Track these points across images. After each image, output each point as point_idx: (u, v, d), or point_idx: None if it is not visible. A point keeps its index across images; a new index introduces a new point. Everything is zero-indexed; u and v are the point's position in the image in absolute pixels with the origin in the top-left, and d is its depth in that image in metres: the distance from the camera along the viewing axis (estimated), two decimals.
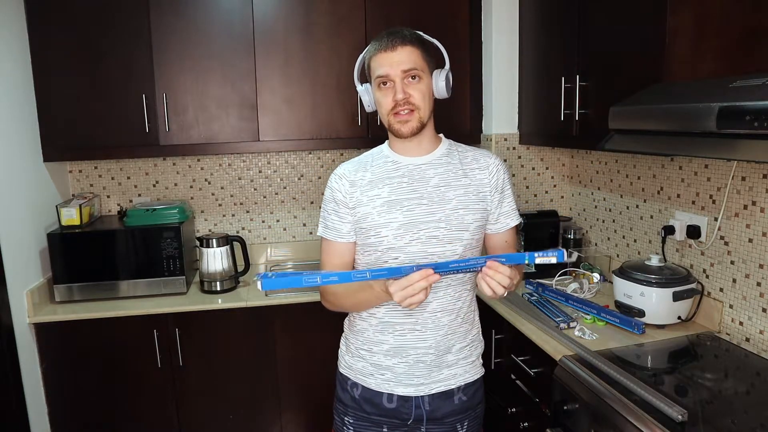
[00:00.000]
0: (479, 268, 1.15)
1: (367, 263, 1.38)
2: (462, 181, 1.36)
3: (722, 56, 1.37)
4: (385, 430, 1.41)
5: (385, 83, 1.30)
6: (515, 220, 1.42)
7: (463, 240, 1.34)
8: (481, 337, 1.49)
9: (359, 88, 1.39)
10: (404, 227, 1.32)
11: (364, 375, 1.40)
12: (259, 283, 1.11)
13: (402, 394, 1.37)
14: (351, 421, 1.43)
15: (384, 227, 1.32)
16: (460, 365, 1.40)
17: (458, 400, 1.41)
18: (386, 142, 1.41)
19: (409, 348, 1.36)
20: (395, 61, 1.27)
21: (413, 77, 1.28)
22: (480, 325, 1.48)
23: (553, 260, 1.14)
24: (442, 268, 1.14)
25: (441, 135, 1.43)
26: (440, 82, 1.34)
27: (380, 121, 1.38)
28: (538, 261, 1.15)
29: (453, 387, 1.39)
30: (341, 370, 1.47)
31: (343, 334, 1.51)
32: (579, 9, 1.95)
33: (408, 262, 1.32)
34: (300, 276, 1.13)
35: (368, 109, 1.40)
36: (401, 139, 1.33)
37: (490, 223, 1.40)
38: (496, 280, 1.14)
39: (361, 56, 1.38)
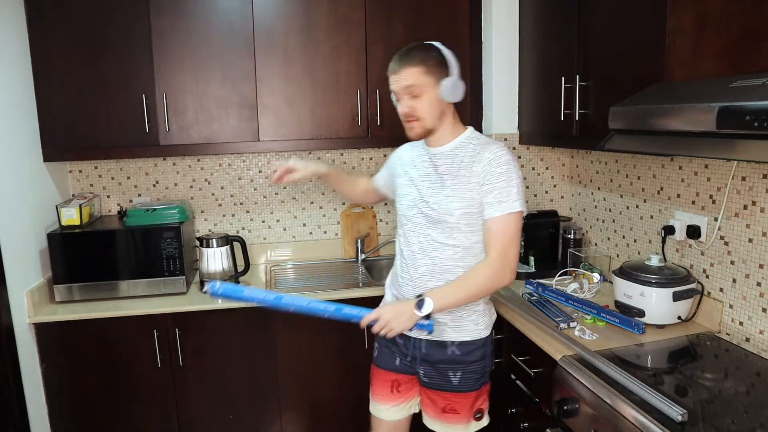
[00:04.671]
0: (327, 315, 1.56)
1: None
2: (461, 172, 1.56)
3: (722, 56, 1.37)
4: (397, 359, 1.74)
5: (396, 98, 1.61)
6: (497, 212, 1.51)
7: (448, 223, 1.57)
8: (484, 308, 1.68)
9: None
10: (413, 201, 1.65)
11: None
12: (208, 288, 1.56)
13: (405, 333, 1.63)
14: (380, 343, 1.78)
15: (403, 197, 1.69)
16: (449, 326, 1.63)
17: (451, 352, 1.65)
18: None
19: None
20: (399, 80, 1.56)
21: (414, 95, 1.55)
22: (486, 299, 1.69)
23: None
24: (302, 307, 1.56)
25: (468, 128, 1.66)
26: (445, 90, 1.55)
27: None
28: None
29: (447, 340, 1.64)
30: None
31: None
32: (579, 9, 1.95)
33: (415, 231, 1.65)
34: (242, 289, 1.61)
35: None
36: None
37: (480, 211, 1.56)
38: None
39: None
